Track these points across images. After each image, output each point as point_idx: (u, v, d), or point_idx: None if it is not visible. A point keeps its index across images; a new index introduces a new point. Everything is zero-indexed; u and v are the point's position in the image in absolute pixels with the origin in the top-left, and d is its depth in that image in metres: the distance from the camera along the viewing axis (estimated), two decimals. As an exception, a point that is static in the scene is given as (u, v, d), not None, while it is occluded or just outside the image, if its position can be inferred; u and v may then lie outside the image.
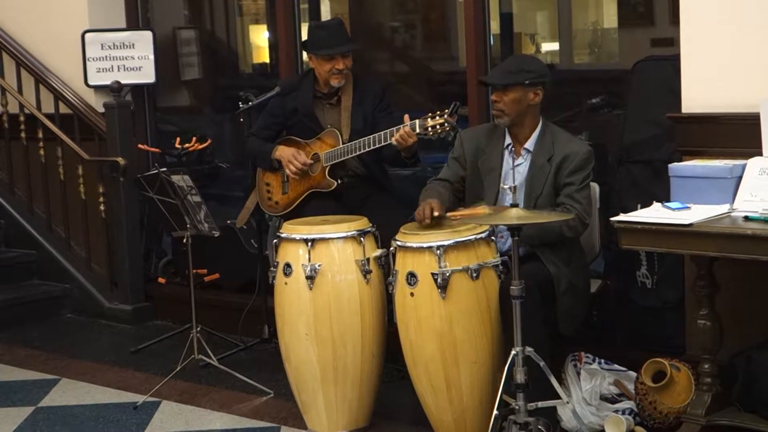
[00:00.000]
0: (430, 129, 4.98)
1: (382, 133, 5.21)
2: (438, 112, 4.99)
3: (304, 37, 6.83)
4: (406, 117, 5.13)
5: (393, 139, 5.11)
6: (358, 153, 5.37)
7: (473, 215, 4.59)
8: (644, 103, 5.37)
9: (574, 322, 4.79)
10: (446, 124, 4.94)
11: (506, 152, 4.89)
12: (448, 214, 4.72)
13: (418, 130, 5.04)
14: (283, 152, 5.63)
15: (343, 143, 5.49)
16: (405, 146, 5.11)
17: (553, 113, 5.23)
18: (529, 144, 4.83)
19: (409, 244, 4.66)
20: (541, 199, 4.76)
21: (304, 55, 6.84)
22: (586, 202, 4.74)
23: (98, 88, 7.21)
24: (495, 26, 6.46)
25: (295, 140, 5.66)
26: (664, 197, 4.58)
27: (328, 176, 5.54)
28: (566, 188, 4.73)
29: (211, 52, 8.16)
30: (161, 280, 7.22)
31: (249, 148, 5.81)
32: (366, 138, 5.29)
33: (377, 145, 5.25)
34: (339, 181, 5.54)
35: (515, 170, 4.80)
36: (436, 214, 4.70)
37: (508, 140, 4.89)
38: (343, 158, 5.46)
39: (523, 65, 4.79)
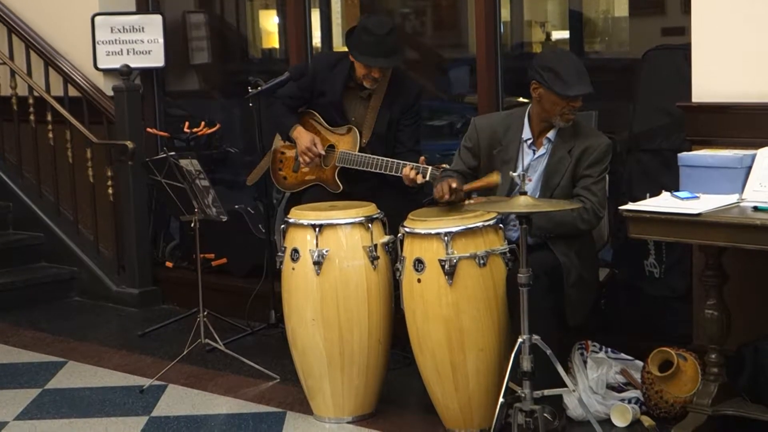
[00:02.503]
0: (439, 173, 5.00)
1: (400, 163, 5.20)
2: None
3: (316, 22, 6.87)
4: (422, 159, 5.13)
5: (402, 173, 5.15)
6: (371, 170, 5.33)
7: (487, 184, 4.68)
8: (654, 92, 5.36)
9: (582, 313, 4.78)
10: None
11: (524, 145, 4.86)
12: (465, 187, 4.76)
13: (428, 177, 5.05)
14: (300, 137, 5.58)
15: (360, 147, 5.46)
16: (410, 184, 5.15)
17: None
18: (551, 134, 4.81)
19: (417, 231, 4.66)
20: (558, 190, 4.74)
21: (314, 40, 6.86)
22: (601, 194, 4.73)
23: (107, 72, 7.21)
24: (505, 13, 6.44)
25: (317, 120, 5.63)
26: (674, 186, 4.58)
27: (337, 178, 5.51)
28: (583, 180, 4.72)
29: (220, 37, 8.15)
30: (169, 264, 7.23)
31: (272, 112, 5.77)
32: (387, 161, 5.26)
33: (393, 173, 5.22)
34: (348, 172, 5.49)
35: (536, 161, 4.79)
36: (453, 185, 4.69)
37: (527, 134, 4.85)
38: (355, 167, 5.42)
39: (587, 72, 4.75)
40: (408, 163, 5.16)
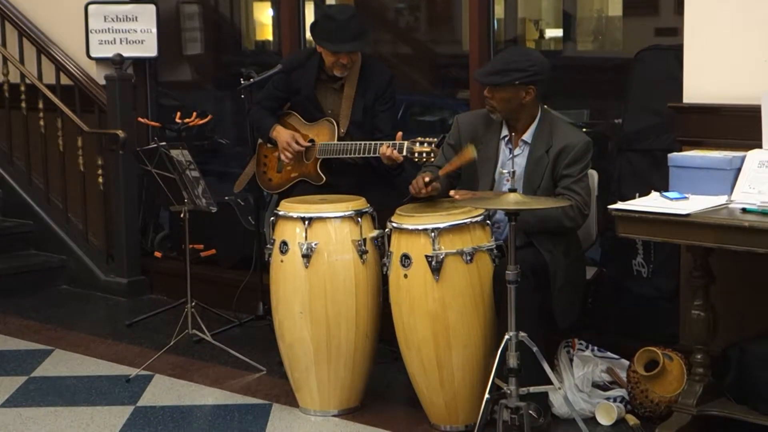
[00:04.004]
0: (416, 155, 4.95)
1: (379, 143, 5.16)
2: (427, 140, 4.95)
3: (309, 15, 6.85)
4: (399, 135, 5.10)
5: (379, 152, 5.10)
6: (351, 156, 5.30)
7: (462, 161, 4.67)
8: (646, 92, 5.36)
9: (571, 317, 4.78)
10: (432, 154, 4.92)
11: (502, 143, 4.86)
12: (440, 171, 4.77)
13: (404, 153, 5.02)
14: (279, 135, 5.57)
15: (339, 137, 5.45)
16: (389, 164, 5.11)
17: (555, 101, 5.23)
18: (527, 136, 4.80)
19: (404, 226, 4.67)
20: (540, 192, 4.73)
21: (308, 33, 6.85)
22: (584, 192, 4.72)
23: (100, 61, 7.20)
24: (499, 10, 6.45)
25: (296, 118, 5.63)
26: (663, 186, 4.59)
27: (319, 170, 5.50)
28: (564, 180, 4.71)
29: (214, 28, 8.14)
30: (157, 254, 7.21)
31: (251, 117, 5.77)
32: (364, 143, 5.23)
33: (371, 155, 5.20)
34: (333, 166, 5.48)
35: (513, 161, 4.79)
36: (426, 179, 4.71)
37: (505, 132, 4.85)
38: (336, 156, 5.41)
39: (515, 63, 4.70)
40: (384, 141, 5.14)
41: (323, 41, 5.40)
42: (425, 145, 4.93)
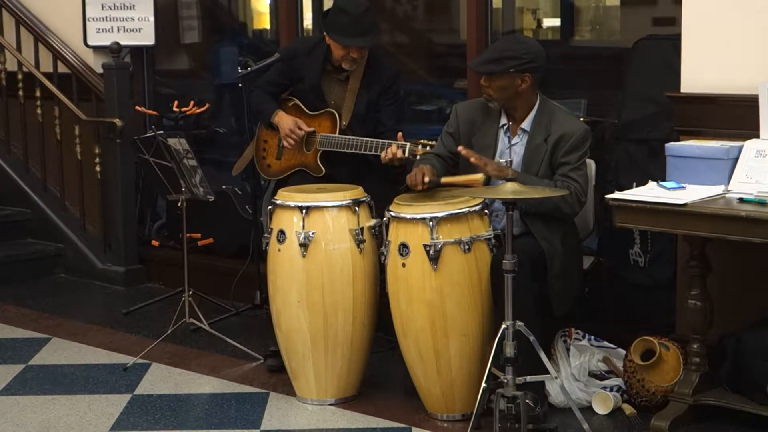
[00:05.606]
0: (418, 157, 4.95)
1: (381, 142, 5.15)
2: (429, 143, 4.96)
3: (307, 3, 6.84)
4: (400, 135, 5.07)
5: (382, 155, 5.08)
6: (352, 151, 5.29)
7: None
8: (643, 81, 5.37)
9: (567, 304, 4.79)
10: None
11: (501, 131, 4.86)
12: (443, 180, 4.75)
13: (406, 154, 5.01)
14: (282, 121, 5.55)
15: (340, 129, 5.43)
16: (388, 162, 5.09)
17: (552, 91, 5.22)
18: (525, 124, 4.80)
19: (402, 215, 4.67)
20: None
21: (305, 22, 6.84)
22: (582, 180, 4.72)
23: (97, 49, 7.19)
24: (497, 0, 6.44)
25: (297, 106, 5.61)
26: (660, 176, 4.59)
27: (319, 161, 5.49)
28: (562, 168, 4.71)
29: (211, 17, 8.13)
30: (155, 242, 7.22)
31: (252, 100, 5.73)
32: (367, 141, 5.22)
33: (374, 152, 5.19)
34: (331, 156, 5.47)
35: (511, 150, 4.80)
36: (426, 179, 4.70)
37: (503, 120, 4.85)
38: (337, 149, 5.40)
39: (509, 51, 4.70)
40: (391, 141, 5.12)
41: (335, 34, 5.34)
42: (428, 148, 4.93)
